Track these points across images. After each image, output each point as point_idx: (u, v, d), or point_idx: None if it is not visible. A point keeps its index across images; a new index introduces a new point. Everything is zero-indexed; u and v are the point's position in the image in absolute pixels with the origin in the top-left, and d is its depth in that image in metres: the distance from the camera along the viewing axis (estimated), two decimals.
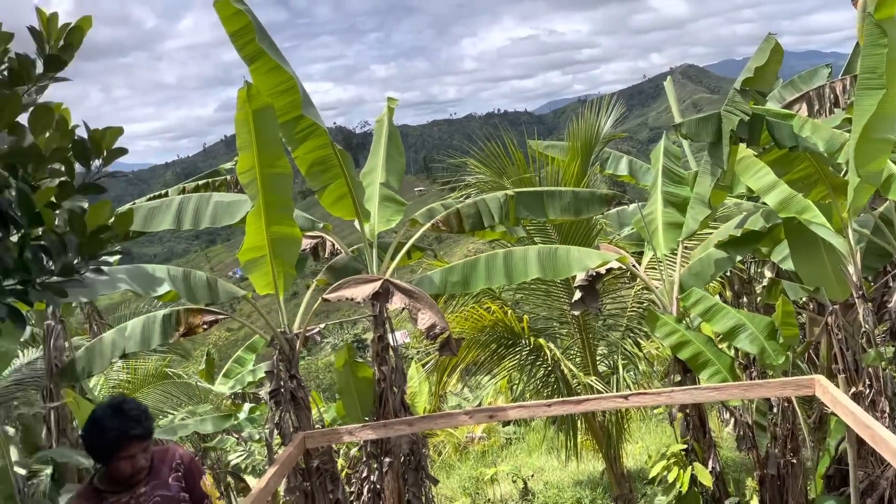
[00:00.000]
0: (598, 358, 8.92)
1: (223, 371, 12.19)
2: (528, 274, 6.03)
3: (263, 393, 12.80)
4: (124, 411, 3.15)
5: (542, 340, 7.94)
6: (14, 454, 4.89)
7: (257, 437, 13.25)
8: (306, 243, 6.56)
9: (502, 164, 8.68)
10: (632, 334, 8.85)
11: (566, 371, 7.69)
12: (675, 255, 6.84)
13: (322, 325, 5.76)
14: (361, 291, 5.38)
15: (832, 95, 7.49)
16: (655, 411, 12.41)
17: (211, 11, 4.85)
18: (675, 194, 6.87)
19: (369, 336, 6.15)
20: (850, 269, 5.51)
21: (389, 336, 5.88)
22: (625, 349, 8.86)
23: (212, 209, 5.80)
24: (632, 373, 9.54)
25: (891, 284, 6.01)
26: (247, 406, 11.75)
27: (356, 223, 6.14)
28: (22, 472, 5.07)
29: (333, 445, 5.97)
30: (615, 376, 8.66)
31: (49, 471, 5.78)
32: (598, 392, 7.44)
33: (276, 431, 5.40)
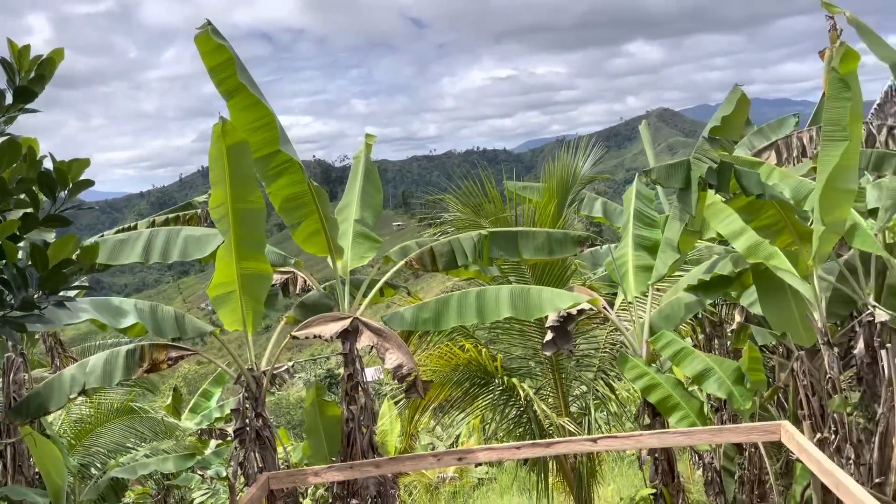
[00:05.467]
0: (570, 399, 8.88)
1: (189, 405, 11.89)
2: (499, 313, 6.02)
3: (230, 429, 12.49)
4: None
5: (515, 380, 7.91)
6: None
7: (223, 474, 12.90)
8: (276, 279, 6.50)
9: (479, 203, 8.76)
10: (604, 375, 8.84)
11: (539, 411, 7.65)
12: (646, 297, 6.89)
13: (290, 364, 5.69)
14: (330, 329, 5.33)
15: (800, 145, 7.67)
16: (627, 453, 12.35)
17: (193, 44, 4.84)
18: (646, 238, 6.94)
19: (342, 371, 6.07)
20: (816, 315, 5.58)
21: (359, 374, 5.82)
22: (597, 390, 8.85)
23: (181, 243, 5.74)
24: (604, 413, 9.49)
25: (857, 330, 6.10)
26: (213, 443, 11.44)
27: (329, 259, 6.11)
28: None
29: (298, 487, 5.84)
30: (587, 417, 8.62)
31: None
32: (570, 433, 7.40)
33: (239, 471, 5.28)
